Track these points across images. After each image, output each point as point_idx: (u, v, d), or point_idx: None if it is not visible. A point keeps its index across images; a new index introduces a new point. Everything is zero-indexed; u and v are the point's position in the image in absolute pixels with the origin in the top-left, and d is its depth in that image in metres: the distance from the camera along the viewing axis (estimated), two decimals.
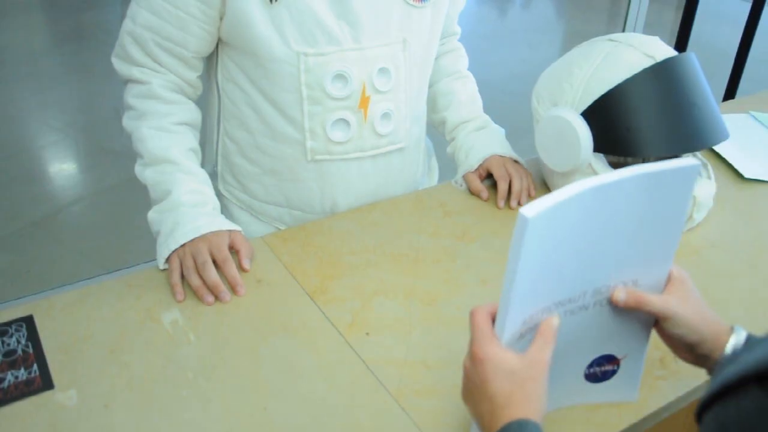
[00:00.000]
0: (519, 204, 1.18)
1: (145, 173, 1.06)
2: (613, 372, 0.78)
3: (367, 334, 0.90)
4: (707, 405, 0.49)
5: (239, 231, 1.02)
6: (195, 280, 0.94)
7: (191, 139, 1.09)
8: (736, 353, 0.53)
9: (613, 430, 0.78)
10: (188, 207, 1.01)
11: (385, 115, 1.11)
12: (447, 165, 1.39)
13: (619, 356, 0.77)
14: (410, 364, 0.85)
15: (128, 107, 1.09)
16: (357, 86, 1.06)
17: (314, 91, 1.05)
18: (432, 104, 1.31)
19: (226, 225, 1.01)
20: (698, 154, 1.19)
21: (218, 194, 1.24)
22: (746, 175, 1.31)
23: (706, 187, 1.11)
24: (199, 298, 0.94)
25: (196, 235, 0.97)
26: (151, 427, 0.76)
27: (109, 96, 3.84)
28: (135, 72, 1.06)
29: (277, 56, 1.02)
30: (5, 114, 3.59)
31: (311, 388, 0.82)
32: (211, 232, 0.98)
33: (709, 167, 1.17)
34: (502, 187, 1.18)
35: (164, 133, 1.06)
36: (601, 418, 0.79)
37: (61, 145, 3.37)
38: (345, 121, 1.08)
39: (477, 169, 1.22)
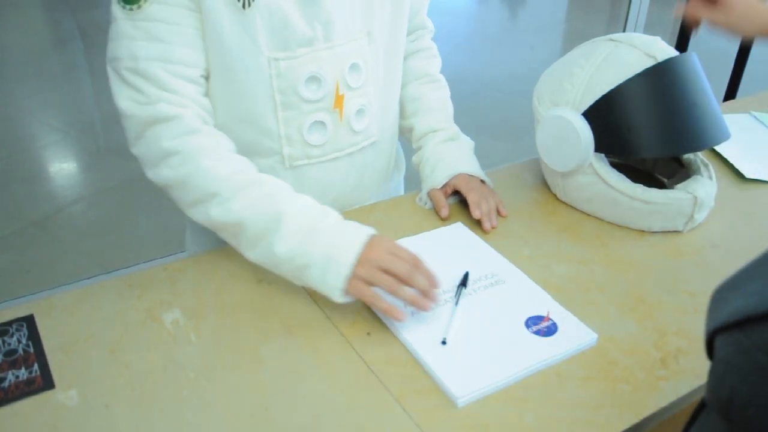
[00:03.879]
0: (492, 227, 1.11)
1: (233, 207, 0.91)
2: (555, 325, 0.91)
3: (369, 333, 0.90)
4: (720, 330, 0.50)
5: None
6: (407, 291, 0.87)
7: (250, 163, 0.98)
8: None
9: (614, 430, 0.77)
10: (330, 226, 0.91)
11: (360, 111, 1.09)
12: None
13: (544, 314, 0.92)
14: (411, 363, 0.85)
15: (166, 154, 0.93)
16: (331, 86, 1.03)
17: (288, 96, 1.01)
18: (400, 109, 1.25)
19: (362, 227, 0.93)
20: (699, 154, 1.19)
21: (189, 221, 1.20)
22: (747, 176, 1.31)
23: (707, 187, 1.11)
24: (421, 307, 0.88)
25: (360, 250, 0.88)
26: (151, 427, 0.76)
27: (109, 96, 3.83)
28: (162, 108, 0.92)
29: (248, 65, 0.97)
30: (5, 114, 3.59)
31: (312, 388, 0.82)
32: (369, 239, 0.90)
33: (710, 167, 1.17)
34: (473, 197, 1.12)
35: (229, 159, 0.95)
36: (603, 419, 0.79)
37: (62, 145, 3.37)
38: (321, 123, 1.05)
39: (443, 187, 1.16)
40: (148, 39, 0.91)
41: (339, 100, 1.05)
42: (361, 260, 0.88)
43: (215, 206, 0.93)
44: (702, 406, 0.56)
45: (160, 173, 0.95)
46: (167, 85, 0.93)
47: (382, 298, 0.87)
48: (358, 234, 0.90)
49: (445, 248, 1.06)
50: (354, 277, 0.87)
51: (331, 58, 1.02)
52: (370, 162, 1.17)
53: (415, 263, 0.89)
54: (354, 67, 1.05)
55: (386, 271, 0.87)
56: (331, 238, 0.89)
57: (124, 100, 0.94)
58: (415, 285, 0.88)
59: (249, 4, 0.94)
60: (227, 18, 0.94)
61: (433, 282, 0.90)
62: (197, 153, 0.93)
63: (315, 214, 0.92)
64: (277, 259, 0.91)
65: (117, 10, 0.91)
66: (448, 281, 0.98)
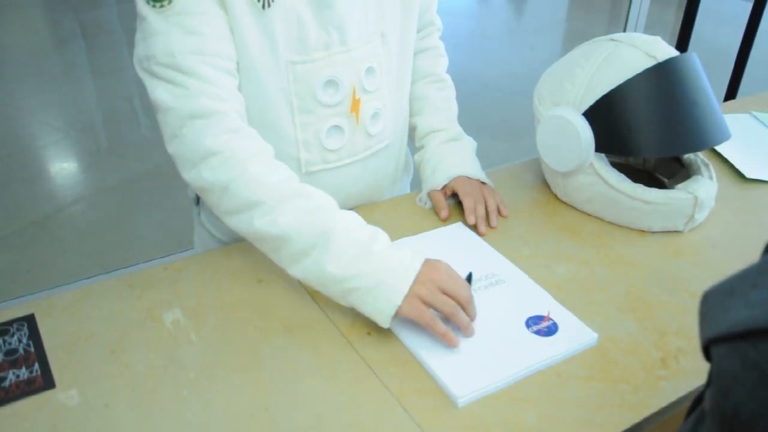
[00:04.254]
0: (492, 227, 1.11)
1: (278, 219, 0.88)
2: (555, 325, 0.91)
3: (369, 333, 0.90)
4: (720, 339, 0.49)
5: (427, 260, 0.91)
6: (464, 317, 0.87)
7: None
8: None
9: (614, 430, 0.77)
10: (382, 250, 0.88)
11: (375, 115, 1.09)
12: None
13: (544, 314, 0.92)
14: (411, 363, 0.85)
15: (208, 153, 0.89)
16: (348, 90, 1.03)
17: (305, 100, 1.01)
18: None
19: (417, 261, 0.89)
20: (700, 154, 1.19)
21: (200, 225, 1.21)
22: (748, 175, 1.31)
23: (708, 187, 1.11)
24: (469, 334, 0.88)
25: (417, 275, 0.87)
26: (152, 426, 0.76)
27: (109, 96, 3.84)
28: (204, 102, 0.89)
29: (267, 67, 0.97)
30: (5, 114, 3.59)
31: (312, 387, 0.82)
32: (425, 262, 0.89)
33: (711, 167, 1.17)
34: (468, 203, 1.12)
35: (276, 166, 0.93)
36: (603, 419, 0.79)
37: (62, 145, 3.37)
38: (339, 128, 1.05)
39: (443, 189, 1.16)
40: (182, 33, 0.88)
41: (356, 104, 1.05)
42: (422, 279, 0.86)
43: (259, 216, 0.89)
44: (695, 405, 0.56)
45: (200, 175, 0.91)
46: (207, 78, 0.90)
47: (440, 321, 0.86)
48: (414, 260, 0.88)
49: (446, 248, 1.06)
50: (413, 296, 0.85)
51: (347, 62, 1.02)
52: (383, 165, 1.17)
53: (468, 290, 0.90)
54: (369, 70, 1.05)
55: (446, 294, 0.87)
56: (384, 263, 0.86)
57: (162, 92, 0.90)
58: (469, 311, 0.88)
59: (269, 5, 0.93)
60: (248, 17, 0.93)
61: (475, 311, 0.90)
62: (243, 156, 0.90)
63: (365, 234, 0.89)
64: (326, 278, 0.87)
65: (146, 9, 0.89)
66: None
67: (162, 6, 0.88)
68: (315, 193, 0.92)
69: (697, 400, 0.56)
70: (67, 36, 4.84)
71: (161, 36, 0.88)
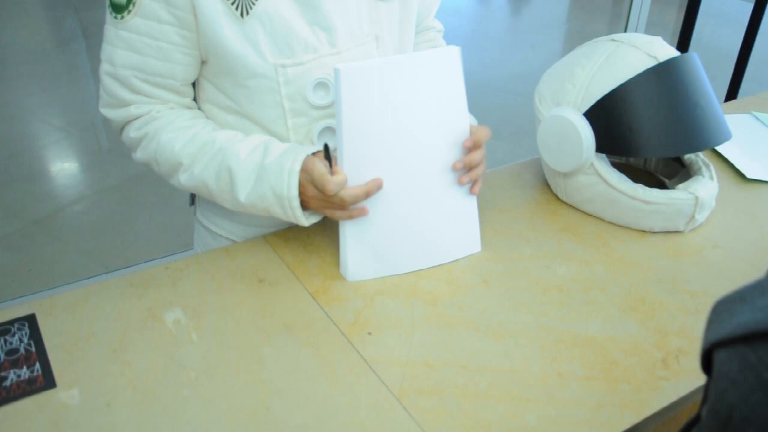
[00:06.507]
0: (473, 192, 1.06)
1: (194, 172, 1.00)
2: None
3: (370, 333, 0.90)
4: (722, 344, 0.49)
5: (306, 159, 0.96)
6: (339, 214, 0.97)
7: (211, 123, 1.04)
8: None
9: (615, 430, 0.78)
10: (271, 163, 0.96)
11: None
12: None
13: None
14: (412, 363, 0.86)
15: (136, 141, 1.03)
16: None
17: (296, 102, 1.01)
18: None
19: (297, 163, 0.95)
20: (700, 154, 1.19)
21: (197, 222, 1.22)
22: (748, 176, 1.31)
23: (709, 188, 1.11)
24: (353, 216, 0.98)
25: (298, 181, 0.95)
26: (153, 426, 0.76)
27: None
28: (131, 110, 1.01)
29: (255, 72, 0.98)
30: (6, 113, 3.60)
31: (313, 387, 0.82)
32: (300, 169, 0.95)
33: (712, 167, 1.17)
34: (481, 132, 1.03)
35: (184, 129, 1.00)
36: (604, 418, 0.79)
37: (63, 145, 3.38)
38: (331, 129, 1.05)
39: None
40: (126, 48, 0.96)
41: None
42: (303, 182, 0.95)
43: (182, 174, 1.01)
44: (693, 423, 0.56)
45: (137, 156, 1.05)
46: (140, 90, 0.99)
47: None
48: (294, 163, 0.94)
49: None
50: (306, 197, 0.96)
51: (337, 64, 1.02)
52: None
53: (330, 184, 0.93)
54: None
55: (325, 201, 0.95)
56: (275, 176, 0.95)
57: (102, 106, 1.04)
58: (339, 201, 0.95)
59: (247, 13, 0.94)
60: (227, 27, 0.94)
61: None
62: (159, 131, 1.01)
63: (258, 154, 0.97)
64: (245, 207, 0.99)
65: (107, 15, 0.96)
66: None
67: (116, 18, 0.95)
68: (219, 136, 1.00)
69: (693, 420, 0.56)
70: (68, 35, 4.85)
71: (110, 45, 0.97)
